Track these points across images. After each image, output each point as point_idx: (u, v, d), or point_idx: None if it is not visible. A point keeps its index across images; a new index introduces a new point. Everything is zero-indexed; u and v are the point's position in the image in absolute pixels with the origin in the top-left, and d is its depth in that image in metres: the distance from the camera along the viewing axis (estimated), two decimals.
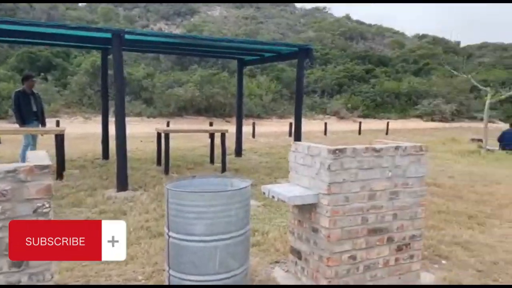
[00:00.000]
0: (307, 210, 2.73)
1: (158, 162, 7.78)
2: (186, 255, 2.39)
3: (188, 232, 2.38)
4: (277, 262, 3.26)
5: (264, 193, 2.82)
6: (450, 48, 50.71)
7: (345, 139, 14.85)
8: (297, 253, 2.90)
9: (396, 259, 2.78)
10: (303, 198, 2.59)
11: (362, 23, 63.64)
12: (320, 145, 2.70)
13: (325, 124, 17.26)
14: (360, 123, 17.97)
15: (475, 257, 3.40)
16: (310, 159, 2.69)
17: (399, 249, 2.79)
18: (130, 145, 11.93)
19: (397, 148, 2.76)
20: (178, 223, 2.42)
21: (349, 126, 21.82)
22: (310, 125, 22.17)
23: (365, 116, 26.61)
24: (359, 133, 16.97)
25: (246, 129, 16.01)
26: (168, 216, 2.48)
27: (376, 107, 28.81)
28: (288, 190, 2.69)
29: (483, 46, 74.16)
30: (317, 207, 2.61)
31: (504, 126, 16.08)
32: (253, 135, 14.42)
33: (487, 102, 11.09)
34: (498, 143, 10.96)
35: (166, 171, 6.99)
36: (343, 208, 2.56)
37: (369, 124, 22.61)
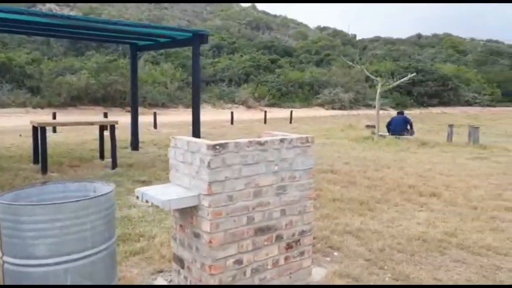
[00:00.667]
0: (188, 213, 2.40)
1: (35, 160, 6.74)
2: (27, 284, 1.88)
3: (28, 255, 1.87)
4: (160, 271, 2.89)
5: (137, 197, 2.42)
6: (347, 41, 54.79)
7: (250, 128, 14.94)
8: (180, 261, 2.57)
9: (286, 258, 2.63)
10: (181, 201, 2.25)
11: (267, 14, 65.19)
12: (199, 140, 2.39)
13: (232, 113, 17.16)
14: (265, 112, 18.28)
15: (364, 245, 3.45)
16: (190, 156, 2.36)
17: (288, 246, 2.63)
18: (5, 140, 10.39)
19: (282, 140, 2.58)
20: (15, 245, 1.89)
21: (257, 115, 22.15)
22: (218, 114, 21.97)
23: (272, 105, 27.34)
24: (265, 122, 17.26)
25: (148, 119, 15.13)
26: (0, 237, 1.93)
27: (282, 96, 29.81)
28: (164, 193, 2.33)
29: (375, 39, 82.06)
30: (198, 210, 2.30)
31: (394, 113, 17.84)
32: (155, 126, 13.63)
33: (378, 91, 12.05)
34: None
35: (44, 170, 6.06)
36: (226, 209, 2.29)
37: (275, 113, 23.26)
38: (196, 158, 2.29)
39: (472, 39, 77.35)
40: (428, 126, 18.52)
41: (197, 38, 6.74)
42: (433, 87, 31.56)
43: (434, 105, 31.92)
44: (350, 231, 3.83)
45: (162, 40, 7.73)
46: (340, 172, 6.60)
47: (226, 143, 2.26)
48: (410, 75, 12.57)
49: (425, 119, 22.85)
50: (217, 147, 2.21)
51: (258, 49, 37.78)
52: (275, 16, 67.04)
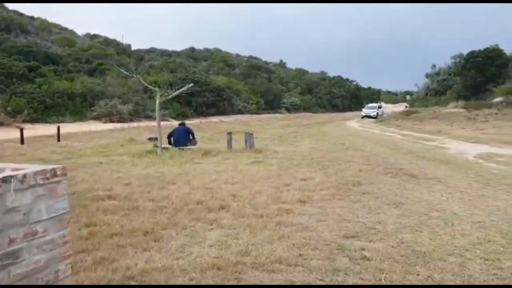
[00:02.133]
0: None
1: None
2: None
3: None
4: None
5: None
6: (122, 50, 52.96)
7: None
8: None
9: None
10: None
11: (21, 14, 56.14)
12: None
13: None
14: (21, 129, 15.04)
15: None
16: None
17: None
18: None
19: (7, 179, 1.60)
20: None
21: (12, 133, 18.08)
22: None
23: (34, 121, 23.16)
24: (22, 142, 14.15)
25: None
26: None
27: (46, 110, 25.73)
28: None
29: (152, 50, 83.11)
30: None
31: (176, 124, 17.93)
32: None
33: (157, 101, 11.65)
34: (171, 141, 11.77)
35: None
36: None
37: (39, 130, 19.70)
38: None
39: (238, 55, 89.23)
40: (209, 135, 19.64)
41: None
42: (210, 98, 34.25)
43: (212, 114, 34.60)
44: (132, 276, 3.07)
45: None
46: (120, 197, 5.68)
47: None
48: (188, 85, 12.77)
49: (205, 128, 24.28)
50: None
51: (10, 54, 31.55)
52: (31, 18, 58.25)
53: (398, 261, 3.41)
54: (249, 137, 11.45)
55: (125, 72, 16.26)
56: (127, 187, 6.36)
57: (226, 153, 10.81)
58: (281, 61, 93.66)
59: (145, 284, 2.97)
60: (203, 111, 33.96)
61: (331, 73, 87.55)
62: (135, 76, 13.09)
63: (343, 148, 13.08)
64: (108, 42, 58.71)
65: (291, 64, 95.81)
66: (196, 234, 4.10)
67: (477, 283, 3.02)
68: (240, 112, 39.28)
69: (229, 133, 11.82)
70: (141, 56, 68.91)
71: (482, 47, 35.37)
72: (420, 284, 2.99)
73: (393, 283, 2.99)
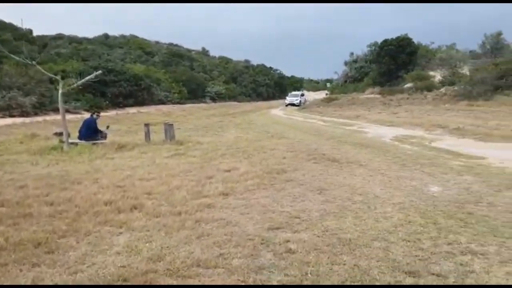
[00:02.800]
0: None
1: None
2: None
3: None
4: None
5: None
6: (21, 36, 47.73)
7: None
8: None
9: None
10: None
11: None
12: None
13: None
14: None
15: None
16: None
17: None
18: None
19: None
20: None
21: None
22: None
23: None
24: None
25: None
26: None
27: None
28: None
29: (59, 37, 76.35)
30: None
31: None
32: None
33: (60, 92, 10.49)
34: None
35: None
36: None
37: None
38: None
39: (157, 42, 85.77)
40: (126, 127, 18.48)
41: None
42: (127, 87, 32.31)
43: (130, 105, 32.75)
44: None
45: None
46: (10, 203, 4.88)
47: None
48: (95, 73, 11.66)
49: (122, 119, 22.84)
50: None
51: None
52: None
53: (324, 251, 3.29)
54: (169, 128, 10.86)
55: (20, 59, 14.45)
56: (21, 191, 5.52)
57: (144, 146, 10.12)
58: (203, 48, 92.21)
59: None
60: (119, 102, 31.94)
61: (255, 62, 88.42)
62: (31, 63, 11.62)
63: (268, 136, 13.09)
64: (3, 26, 52.45)
65: (214, 52, 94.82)
66: (101, 241, 3.60)
67: (400, 265, 3.00)
68: (161, 102, 37.76)
69: (147, 125, 11.09)
70: (45, 43, 62.93)
71: (394, 36, 38.21)
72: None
73: (319, 276, 2.84)
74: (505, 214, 4.17)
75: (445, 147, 9.12)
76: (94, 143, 10.19)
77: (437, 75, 32.51)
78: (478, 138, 10.40)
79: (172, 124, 11.05)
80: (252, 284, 2.76)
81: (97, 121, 10.99)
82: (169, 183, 5.76)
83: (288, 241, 3.49)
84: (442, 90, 27.10)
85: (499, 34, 36.08)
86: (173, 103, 39.46)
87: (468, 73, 29.42)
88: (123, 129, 17.32)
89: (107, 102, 30.86)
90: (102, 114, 14.25)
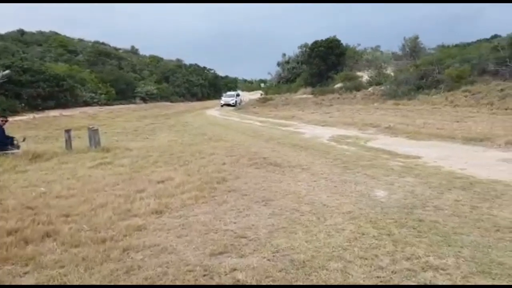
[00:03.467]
0: None
1: None
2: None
3: None
4: None
5: None
6: None
7: None
8: None
9: None
10: None
11: None
12: None
13: None
14: None
15: None
16: None
17: None
18: None
19: None
20: None
21: None
22: None
23: None
24: None
25: None
26: None
27: None
28: None
29: None
30: None
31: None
32: None
33: None
34: None
35: None
36: None
37: None
38: None
39: (81, 40, 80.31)
40: (45, 132, 16.71)
41: None
42: (47, 88, 29.43)
43: (51, 108, 29.93)
44: None
45: None
46: None
47: None
48: (2, 73, 10.20)
49: (41, 124, 20.68)
50: None
51: None
52: None
53: (277, 278, 2.87)
54: (93, 133, 9.80)
55: None
56: None
57: (64, 156, 9.01)
58: (133, 47, 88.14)
59: None
60: (38, 104, 29.00)
61: (187, 62, 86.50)
62: None
63: (205, 139, 12.51)
64: None
65: (145, 51, 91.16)
66: None
67: None
68: (87, 104, 35.08)
69: (67, 130, 9.90)
70: None
71: (324, 38, 39.44)
72: None
73: None
74: (452, 218, 4.08)
75: (381, 147, 9.25)
76: (2, 154, 8.85)
77: (364, 76, 34.10)
78: (409, 137, 10.76)
79: (97, 129, 9.99)
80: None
81: (4, 127, 9.55)
82: (92, 200, 4.99)
83: (235, 269, 3.02)
84: (370, 89, 28.42)
85: (416, 38, 38.91)
86: (100, 105, 36.93)
87: (392, 73, 31.26)
88: (41, 135, 15.62)
89: (23, 104, 27.88)
90: (16, 118, 12.65)
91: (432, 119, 13.70)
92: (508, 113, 13.52)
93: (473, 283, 2.77)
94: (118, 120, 23.97)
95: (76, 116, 26.16)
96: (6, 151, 9.03)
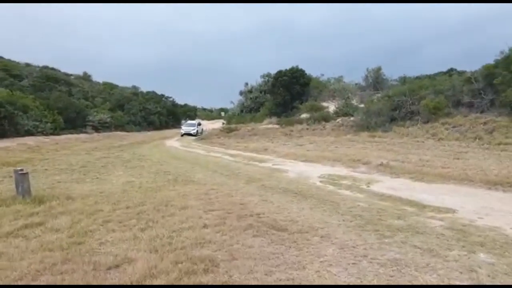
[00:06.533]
0: None
1: None
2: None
3: None
4: None
5: None
6: None
7: None
8: None
9: None
10: None
11: None
12: None
13: None
14: None
15: None
16: None
17: None
18: None
19: None
20: None
21: None
22: None
23: None
24: None
25: None
26: None
27: None
28: None
29: None
30: None
31: None
32: None
33: None
34: None
35: None
36: None
37: None
38: None
39: (28, 64, 75.21)
40: None
41: None
42: None
43: None
44: None
45: None
46: None
47: None
48: None
49: None
50: None
51: None
52: None
53: None
54: (21, 178, 7.30)
55: None
56: None
57: None
58: (85, 73, 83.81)
59: None
60: None
61: (144, 89, 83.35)
62: None
63: (169, 179, 10.30)
64: None
65: (98, 77, 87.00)
66: None
67: None
68: (30, 133, 31.28)
69: None
70: None
71: (282, 68, 38.77)
72: None
73: None
74: None
75: (392, 193, 7.55)
76: None
77: (330, 106, 33.35)
78: (414, 178, 9.20)
79: (26, 173, 7.46)
80: None
81: None
82: None
83: None
84: (339, 120, 27.42)
85: (379, 69, 39.23)
86: (46, 135, 33.19)
87: (360, 104, 30.67)
88: None
89: None
90: None
91: (425, 155, 12.38)
92: (503, 148, 12.50)
93: None
94: (64, 153, 20.94)
95: (13, 148, 22.70)
96: None
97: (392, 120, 21.84)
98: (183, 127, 41.26)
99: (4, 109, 28.31)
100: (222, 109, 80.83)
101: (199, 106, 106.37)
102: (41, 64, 76.87)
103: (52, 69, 76.04)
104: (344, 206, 6.45)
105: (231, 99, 54.50)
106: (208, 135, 34.40)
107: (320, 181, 9.29)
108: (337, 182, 9.13)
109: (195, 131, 38.64)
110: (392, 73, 56.07)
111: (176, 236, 4.83)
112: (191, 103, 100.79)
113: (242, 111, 47.70)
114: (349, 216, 5.77)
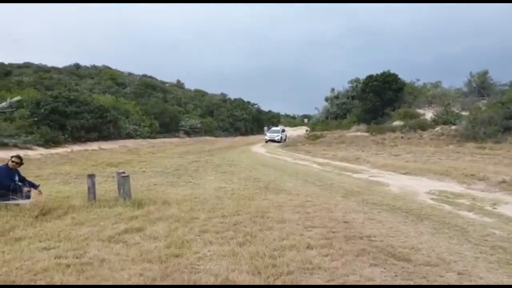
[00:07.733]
0: None
1: None
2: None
3: None
4: None
5: None
6: None
7: None
8: None
9: None
10: None
11: None
12: None
13: None
14: None
15: None
16: None
17: None
18: None
19: None
20: None
21: None
22: None
23: None
24: None
25: None
26: None
27: None
28: None
29: (26, 65, 72.40)
30: None
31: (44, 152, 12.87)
32: None
33: None
34: None
35: None
36: None
37: None
38: None
39: (130, 73, 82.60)
40: (79, 169, 14.76)
41: None
42: (91, 120, 28.50)
43: (94, 140, 28.85)
44: None
45: None
46: None
47: None
48: (10, 100, 8.27)
49: (76, 159, 18.96)
50: None
51: None
52: None
53: None
54: (123, 181, 7.44)
55: None
56: None
57: (82, 211, 6.66)
58: (178, 81, 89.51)
59: None
60: (81, 136, 27.97)
61: (231, 95, 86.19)
62: None
63: (260, 187, 9.92)
64: None
65: (190, 85, 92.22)
66: None
67: None
68: (130, 136, 33.91)
69: (91, 176, 7.60)
70: (7, 71, 58.82)
71: (371, 73, 36.74)
72: None
73: None
74: None
75: None
76: (5, 206, 6.66)
77: (426, 113, 30.65)
78: None
79: (127, 176, 7.59)
80: None
81: (15, 170, 7.41)
82: None
83: None
84: (438, 129, 24.93)
85: (485, 72, 35.16)
86: (143, 138, 35.70)
87: (460, 111, 27.66)
88: (74, 172, 13.68)
89: (66, 136, 26.86)
90: (52, 151, 10.69)
91: None
92: None
93: None
94: (159, 156, 22.02)
95: (115, 150, 24.57)
96: (10, 202, 6.82)
97: (506, 129, 19.11)
98: (267, 134, 41.33)
99: (110, 114, 31.01)
100: (305, 116, 79.97)
101: (282, 112, 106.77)
102: (141, 73, 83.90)
103: (150, 77, 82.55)
104: (474, 233, 5.34)
105: (315, 105, 53.47)
106: (293, 141, 33.88)
107: (431, 199, 8.10)
108: (452, 200, 7.87)
109: (279, 137, 38.42)
110: (500, 77, 49.90)
111: (278, 257, 4.28)
112: (275, 109, 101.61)
113: (327, 117, 46.43)
114: (485, 247, 4.69)
